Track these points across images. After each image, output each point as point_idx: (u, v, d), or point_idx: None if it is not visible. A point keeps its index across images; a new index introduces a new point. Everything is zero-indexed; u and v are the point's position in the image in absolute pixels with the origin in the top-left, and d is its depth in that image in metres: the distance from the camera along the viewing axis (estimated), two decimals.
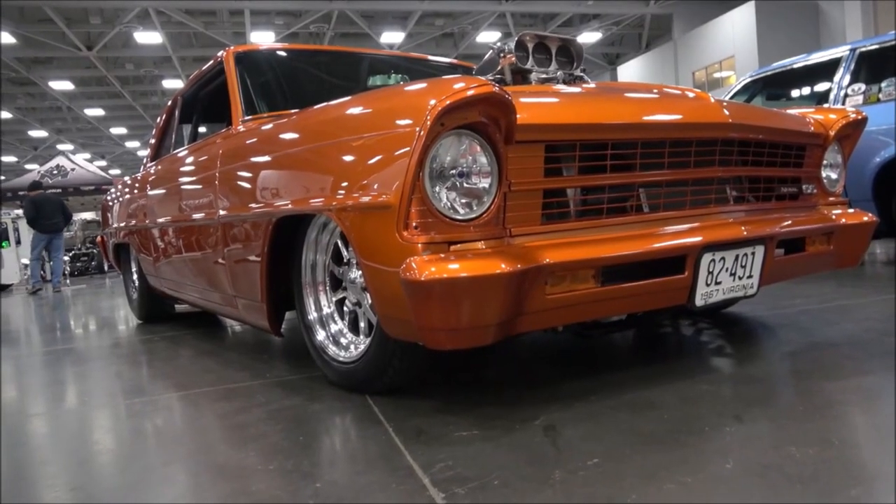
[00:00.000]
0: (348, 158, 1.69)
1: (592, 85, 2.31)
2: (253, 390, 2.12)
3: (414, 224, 1.50)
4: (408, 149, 1.47)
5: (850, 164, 4.05)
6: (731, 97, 4.99)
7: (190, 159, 3.02)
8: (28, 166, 30.21)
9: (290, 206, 1.95)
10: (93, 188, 12.80)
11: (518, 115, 1.55)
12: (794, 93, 4.95)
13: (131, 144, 31.20)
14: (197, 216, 2.77)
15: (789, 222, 2.12)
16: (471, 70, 3.57)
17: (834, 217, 2.29)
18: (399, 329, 1.63)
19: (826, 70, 4.39)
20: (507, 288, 1.46)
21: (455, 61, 3.68)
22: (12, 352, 3.58)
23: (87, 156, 30.65)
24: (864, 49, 4.22)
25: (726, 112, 1.91)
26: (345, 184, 1.68)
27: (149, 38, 17.86)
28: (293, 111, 2.62)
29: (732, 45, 21.02)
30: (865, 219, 2.37)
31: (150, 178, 3.67)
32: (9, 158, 31.06)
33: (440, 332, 1.50)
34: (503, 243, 1.56)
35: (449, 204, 1.52)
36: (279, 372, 2.36)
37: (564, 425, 1.52)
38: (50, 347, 3.66)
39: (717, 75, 22.30)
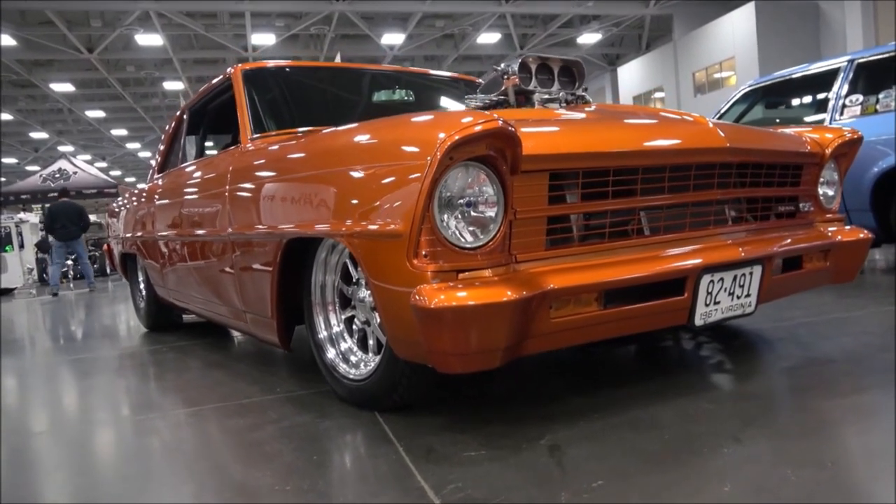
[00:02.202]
0: (358, 186, 1.74)
1: (593, 107, 2.37)
2: (264, 406, 2.18)
3: (424, 252, 1.55)
4: (418, 180, 1.52)
5: (848, 173, 4.11)
6: (731, 106, 5.04)
7: (199, 175, 3.08)
8: (29, 168, 30.28)
9: (300, 228, 2.01)
10: (95, 191, 12.84)
11: (525, 145, 1.60)
12: (793, 102, 5.00)
13: (132, 146, 31.25)
14: (206, 232, 2.82)
15: (787, 241, 2.17)
16: (474, 84, 3.63)
17: (830, 234, 2.35)
18: (408, 351, 1.69)
19: (824, 80, 4.44)
20: (513, 314, 1.52)
21: (460, 75, 3.73)
22: (14, 362, 3.64)
23: (88, 157, 30.71)
24: (861, 60, 4.27)
25: (724, 136, 1.97)
26: (355, 210, 1.74)
27: (149, 40, 17.90)
28: (301, 129, 2.69)
29: (732, 45, 21.05)
30: (861, 235, 2.42)
31: (159, 191, 3.72)
32: (9, 160, 31.10)
33: (450, 356, 1.56)
34: (509, 270, 1.61)
35: (457, 233, 1.58)
36: (289, 386, 2.42)
37: (569, 444, 1.58)
38: (58, 357, 3.72)
39: (717, 76, 22.34)
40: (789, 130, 2.50)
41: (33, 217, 13.19)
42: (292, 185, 2.11)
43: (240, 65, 3.13)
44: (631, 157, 1.80)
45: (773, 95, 4.97)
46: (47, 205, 9.78)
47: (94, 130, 28.20)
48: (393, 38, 19.97)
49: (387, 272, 1.65)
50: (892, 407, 1.70)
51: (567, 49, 23.03)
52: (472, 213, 1.59)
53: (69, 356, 3.74)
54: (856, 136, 2.47)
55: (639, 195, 1.86)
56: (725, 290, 1.96)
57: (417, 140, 1.56)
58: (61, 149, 28.57)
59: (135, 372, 3.07)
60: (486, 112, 1.57)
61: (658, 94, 25.14)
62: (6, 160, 30.81)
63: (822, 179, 2.48)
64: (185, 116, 3.81)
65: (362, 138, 1.84)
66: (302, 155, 2.14)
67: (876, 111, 4.07)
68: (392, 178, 1.62)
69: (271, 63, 3.26)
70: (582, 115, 2.07)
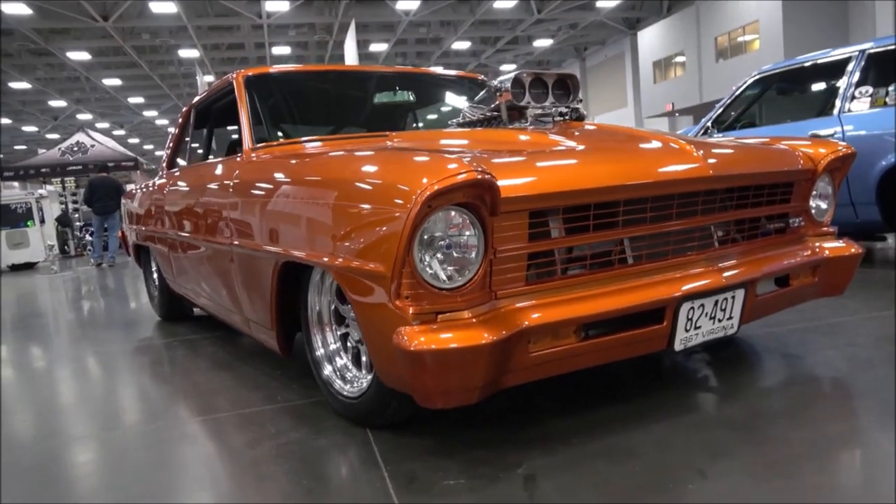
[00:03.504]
0: (345, 221, 1.81)
1: (587, 127, 2.39)
2: (264, 418, 2.29)
3: (405, 294, 1.62)
4: (399, 225, 1.58)
5: (855, 167, 4.08)
6: (741, 92, 4.98)
7: (206, 180, 3.15)
8: (49, 136, 30.62)
9: (294, 253, 2.08)
10: (112, 165, 13.00)
11: (504, 187, 1.65)
12: (803, 91, 4.94)
13: (149, 114, 31.41)
14: (212, 239, 2.91)
15: (773, 263, 2.21)
16: (478, 81, 3.64)
17: (818, 250, 2.37)
18: (393, 381, 1.77)
19: (835, 70, 4.38)
20: (490, 354, 1.60)
21: (465, 74, 3.75)
22: (15, 352, 3.79)
23: (107, 125, 30.93)
24: (874, 51, 4.20)
25: (708, 165, 1.99)
26: (342, 245, 1.80)
27: (164, 7, 17.87)
28: (305, 138, 2.75)
29: (757, 8, 20.48)
30: (853, 251, 2.44)
31: (168, 188, 3.81)
32: (30, 128, 31.47)
33: (430, 393, 1.65)
34: (489, 307, 1.68)
35: (437, 274, 1.64)
36: (290, 394, 2.53)
37: (544, 475, 1.66)
38: (71, 349, 3.88)
39: (740, 40, 21.82)
40: (782, 145, 2.50)
41: (49, 189, 13.52)
42: (287, 208, 2.18)
43: (242, 71, 3.18)
44: (612, 192, 1.84)
45: (783, 83, 4.90)
46: (69, 178, 10.17)
47: (112, 98, 28.36)
48: (408, 4, 19.73)
49: (372, 309, 1.72)
50: (857, 438, 1.76)
51: (586, 13, 22.58)
52: (453, 256, 1.65)
53: (81, 349, 3.89)
54: (849, 152, 2.47)
55: (621, 227, 1.90)
56: (706, 314, 2.01)
57: (400, 186, 1.61)
58: (80, 117, 28.80)
59: (144, 371, 3.20)
60: (468, 161, 1.61)
61: (679, 59, 24.65)
62: (26, 128, 31.16)
63: (814, 192, 2.49)
64: (191, 114, 3.87)
65: (350, 173, 1.89)
66: (296, 178, 2.20)
67: (885, 104, 4.02)
68: (376, 219, 1.68)
69: (274, 69, 3.30)
70: (570, 143, 2.10)
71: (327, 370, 2.24)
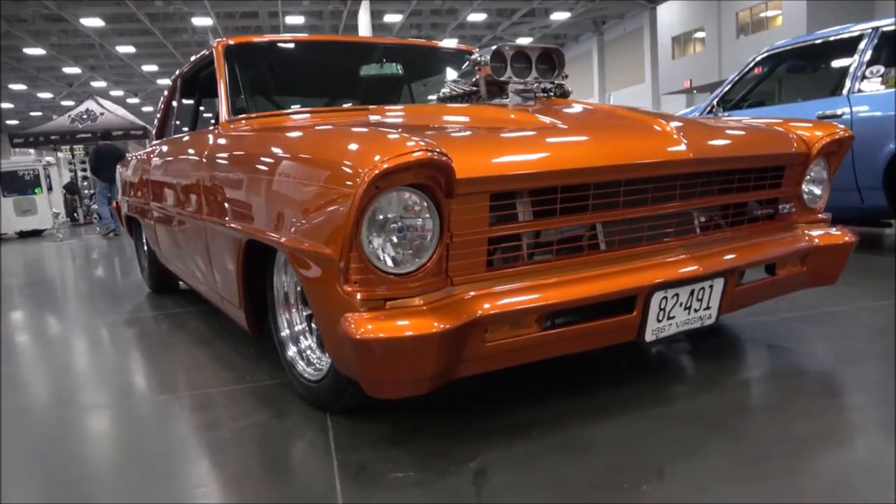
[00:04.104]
0: (298, 200, 1.73)
1: (573, 107, 2.27)
2: (230, 398, 2.24)
3: (354, 279, 1.55)
4: (347, 206, 1.50)
5: (861, 151, 3.92)
6: (750, 69, 4.81)
7: (183, 151, 3.08)
8: (64, 102, 30.67)
9: (255, 232, 2.01)
10: (121, 133, 12.98)
11: (462, 167, 1.56)
12: (813, 68, 4.76)
13: (163, 82, 31.30)
14: (187, 213, 2.84)
15: (756, 251, 2.10)
16: (471, 54, 3.51)
17: (808, 238, 2.27)
18: (343, 368, 1.70)
19: (847, 47, 4.19)
20: (440, 344, 1.52)
21: (460, 46, 3.62)
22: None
23: (121, 93, 30.93)
24: (887, 28, 4.01)
25: (687, 147, 1.88)
26: (294, 225, 1.73)
27: None
28: (279, 113, 2.67)
29: None
30: (846, 239, 2.33)
31: (153, 160, 3.74)
32: (45, 95, 31.56)
33: (377, 383, 1.58)
34: (444, 294, 1.60)
35: (388, 259, 1.56)
36: (261, 374, 2.48)
37: (496, 470, 1.60)
38: (56, 321, 3.86)
39: (762, 15, 21.27)
40: (778, 127, 2.37)
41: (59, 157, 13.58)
42: (251, 186, 2.10)
43: (223, 40, 3.08)
44: (580, 174, 1.74)
45: (794, 59, 4.72)
46: (98, 144, 10.23)
47: (125, 66, 28.30)
48: None
49: (322, 292, 1.65)
50: (833, 438, 1.68)
51: None
52: (405, 239, 1.56)
53: (68, 320, 3.87)
54: (846, 136, 2.34)
55: (591, 212, 1.81)
56: (681, 304, 1.92)
57: (347, 165, 1.53)
58: (94, 84, 28.81)
59: (128, 345, 3.17)
60: (422, 141, 1.52)
61: (699, 35, 24.13)
62: (42, 95, 31.25)
63: (808, 177, 2.38)
64: (178, 83, 3.79)
65: (304, 150, 1.81)
66: (256, 154, 2.11)
67: None
68: (325, 200, 1.59)
69: (257, 38, 3.20)
70: (544, 121, 1.99)
71: (291, 351, 2.18)
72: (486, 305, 1.60)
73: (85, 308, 4.22)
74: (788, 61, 4.75)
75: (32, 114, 36.32)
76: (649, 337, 1.89)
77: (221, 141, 2.57)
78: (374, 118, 2.41)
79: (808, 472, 1.53)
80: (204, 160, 2.61)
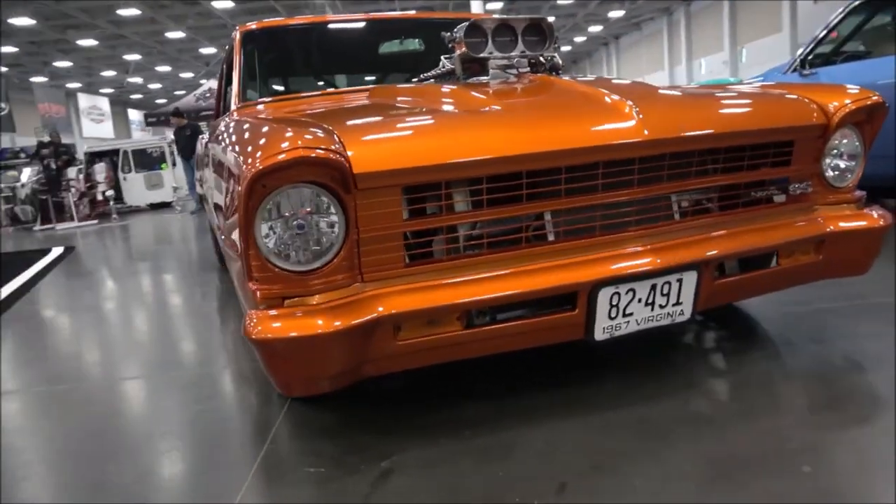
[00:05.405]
0: (223, 197, 1.75)
1: (555, 80, 2.10)
2: (212, 378, 2.35)
3: (255, 277, 1.54)
4: (241, 204, 1.49)
5: None
6: (840, 20, 4.24)
7: (211, 137, 3.20)
8: (202, 81, 32.96)
9: (215, 221, 2.06)
10: None
11: (364, 161, 1.50)
12: None
13: None
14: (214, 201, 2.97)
15: (743, 240, 1.86)
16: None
17: (820, 223, 1.98)
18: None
19: None
20: (336, 343, 1.49)
21: (470, 15, 3.47)
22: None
23: None
24: None
25: (639, 126, 1.68)
26: (224, 220, 1.75)
27: None
28: (282, 98, 2.71)
29: None
30: (882, 223, 2.01)
31: (204, 141, 3.93)
32: (186, 74, 34.05)
33: (281, 381, 1.58)
34: (350, 292, 1.55)
35: (288, 256, 1.53)
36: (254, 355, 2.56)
37: (403, 471, 1.56)
38: (124, 291, 4.21)
39: None
40: (794, 95, 2.07)
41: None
42: (213, 178, 2.15)
43: (243, 26, 3.15)
44: (504, 163, 1.61)
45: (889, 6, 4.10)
46: (179, 122, 10.68)
47: None
48: None
49: (241, 288, 1.67)
50: (778, 462, 1.48)
51: None
52: (304, 236, 1.53)
53: (141, 291, 4.21)
54: (877, 102, 2.01)
55: (525, 202, 1.67)
56: (640, 300, 1.75)
57: (238, 163, 1.52)
58: None
59: (182, 320, 3.40)
60: (316, 135, 1.47)
61: None
62: (183, 75, 33.78)
63: (833, 151, 2.07)
64: (223, 67, 3.93)
65: (233, 143, 1.81)
66: (222, 144, 2.15)
67: None
68: (230, 197, 1.60)
69: (274, 23, 3.24)
70: (492, 103, 1.86)
71: None
72: (395, 303, 1.54)
73: (167, 281, 4.57)
74: (891, 8, 4.13)
75: (177, 92, 39.37)
76: (600, 336, 1.74)
77: (221, 128, 2.64)
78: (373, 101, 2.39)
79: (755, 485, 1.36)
80: (210, 148, 2.70)
